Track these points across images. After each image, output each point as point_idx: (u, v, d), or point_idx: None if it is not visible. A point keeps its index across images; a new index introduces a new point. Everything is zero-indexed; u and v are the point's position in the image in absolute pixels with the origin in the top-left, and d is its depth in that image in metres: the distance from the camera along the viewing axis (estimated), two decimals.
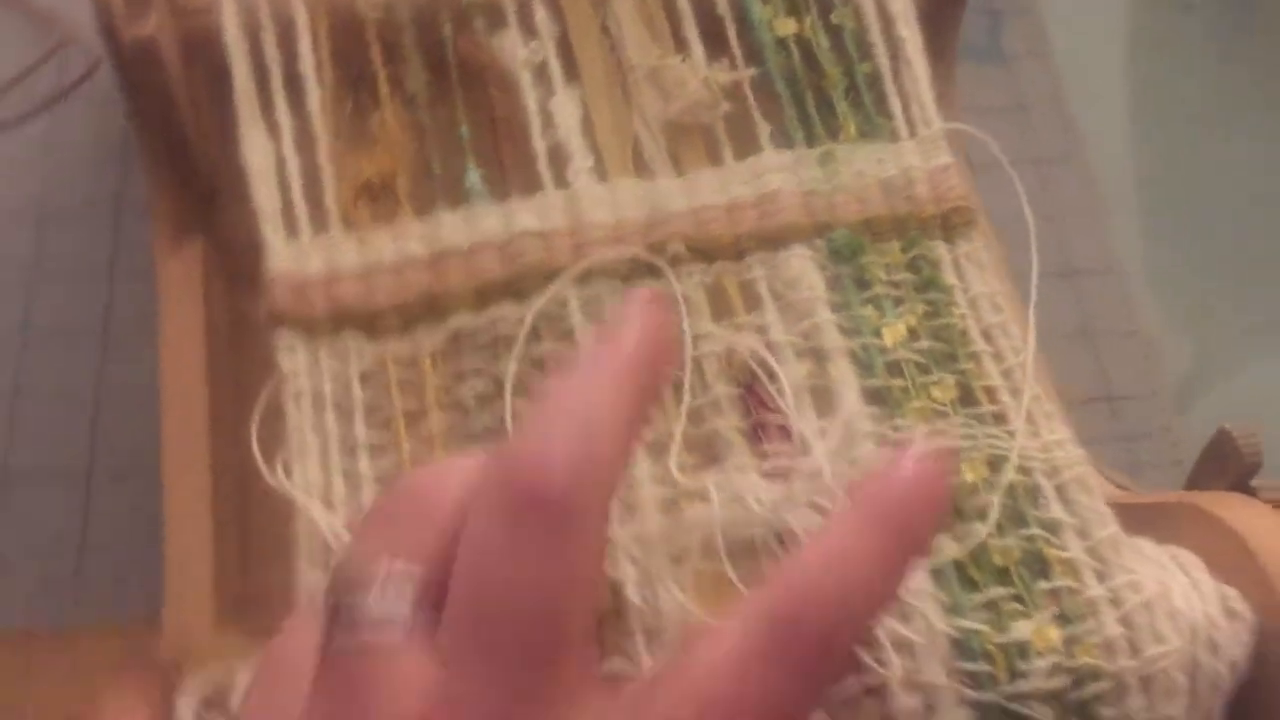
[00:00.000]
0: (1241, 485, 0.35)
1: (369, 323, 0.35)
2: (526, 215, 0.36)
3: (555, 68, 0.38)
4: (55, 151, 0.52)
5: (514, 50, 0.39)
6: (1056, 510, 0.32)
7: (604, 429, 0.23)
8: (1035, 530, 0.32)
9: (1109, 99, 0.58)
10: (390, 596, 0.22)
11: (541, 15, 0.39)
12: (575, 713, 0.22)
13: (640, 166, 0.38)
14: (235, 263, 0.43)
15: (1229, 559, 0.33)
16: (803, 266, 0.35)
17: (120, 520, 0.44)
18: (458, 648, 0.22)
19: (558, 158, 0.37)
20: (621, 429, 0.23)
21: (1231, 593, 0.32)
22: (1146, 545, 0.34)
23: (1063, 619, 0.30)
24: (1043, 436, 0.33)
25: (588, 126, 0.38)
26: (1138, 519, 0.36)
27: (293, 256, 0.35)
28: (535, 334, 0.34)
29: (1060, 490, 0.33)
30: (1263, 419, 0.50)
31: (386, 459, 0.33)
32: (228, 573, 0.37)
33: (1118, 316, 0.52)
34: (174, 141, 0.43)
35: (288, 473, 0.32)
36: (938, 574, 0.31)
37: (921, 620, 0.29)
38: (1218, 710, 0.32)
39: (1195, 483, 0.37)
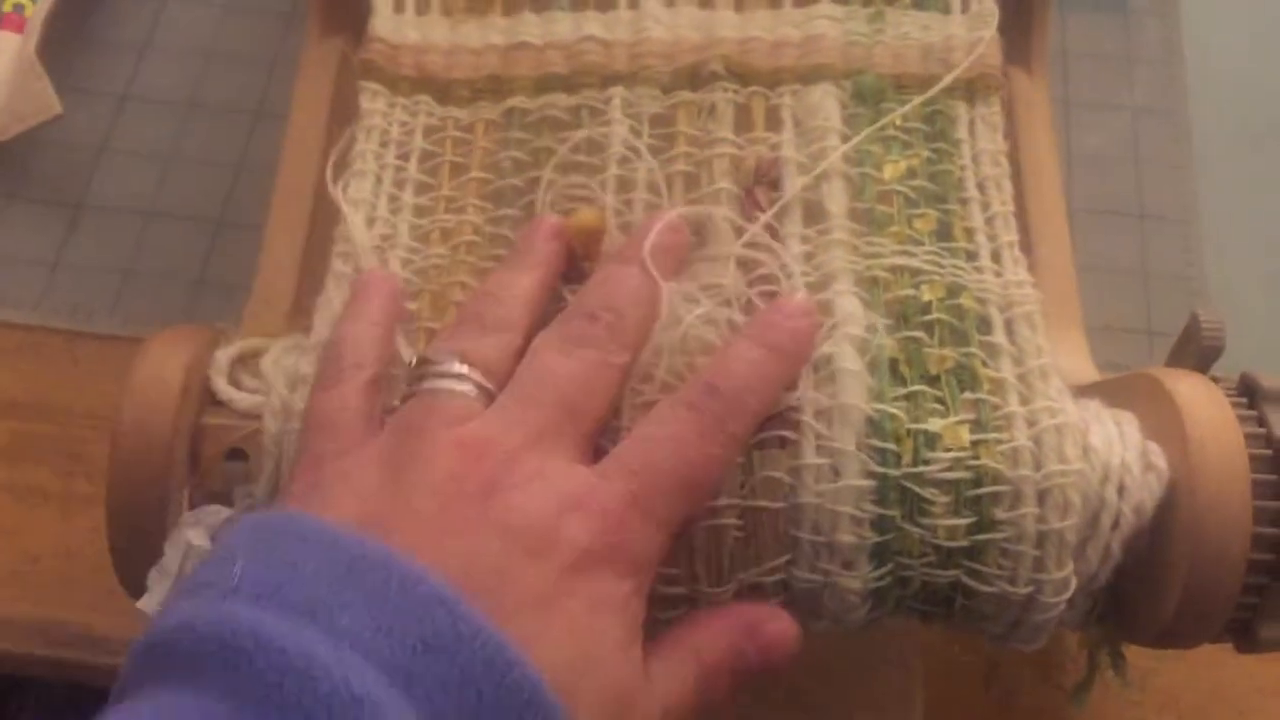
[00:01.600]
0: (1202, 369, 0.37)
1: (443, 90, 0.40)
2: (595, 24, 0.41)
3: None
4: None
5: None
6: (999, 337, 0.35)
7: None
8: (974, 349, 0.35)
9: (1224, 59, 0.58)
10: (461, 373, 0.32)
11: None
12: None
13: (707, 2, 0.42)
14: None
15: (1162, 421, 0.35)
16: (824, 99, 0.39)
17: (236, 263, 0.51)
18: (508, 397, 0.31)
19: None
20: None
21: (1155, 448, 0.34)
22: (1093, 403, 0.36)
23: (977, 425, 0.33)
24: (1005, 275, 0.36)
25: None
26: (1105, 393, 0.39)
27: (394, 26, 0.41)
28: (577, 122, 0.39)
29: (1008, 323, 0.35)
30: None
31: (426, 196, 0.38)
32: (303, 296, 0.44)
33: (1178, 262, 0.53)
34: None
35: (345, 190, 0.38)
36: (873, 365, 0.34)
37: (845, 396, 0.33)
38: (1117, 545, 0.34)
39: (1168, 364, 0.39)
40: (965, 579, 0.33)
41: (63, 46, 0.55)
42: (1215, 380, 0.37)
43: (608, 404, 0.32)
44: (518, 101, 0.40)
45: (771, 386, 0.33)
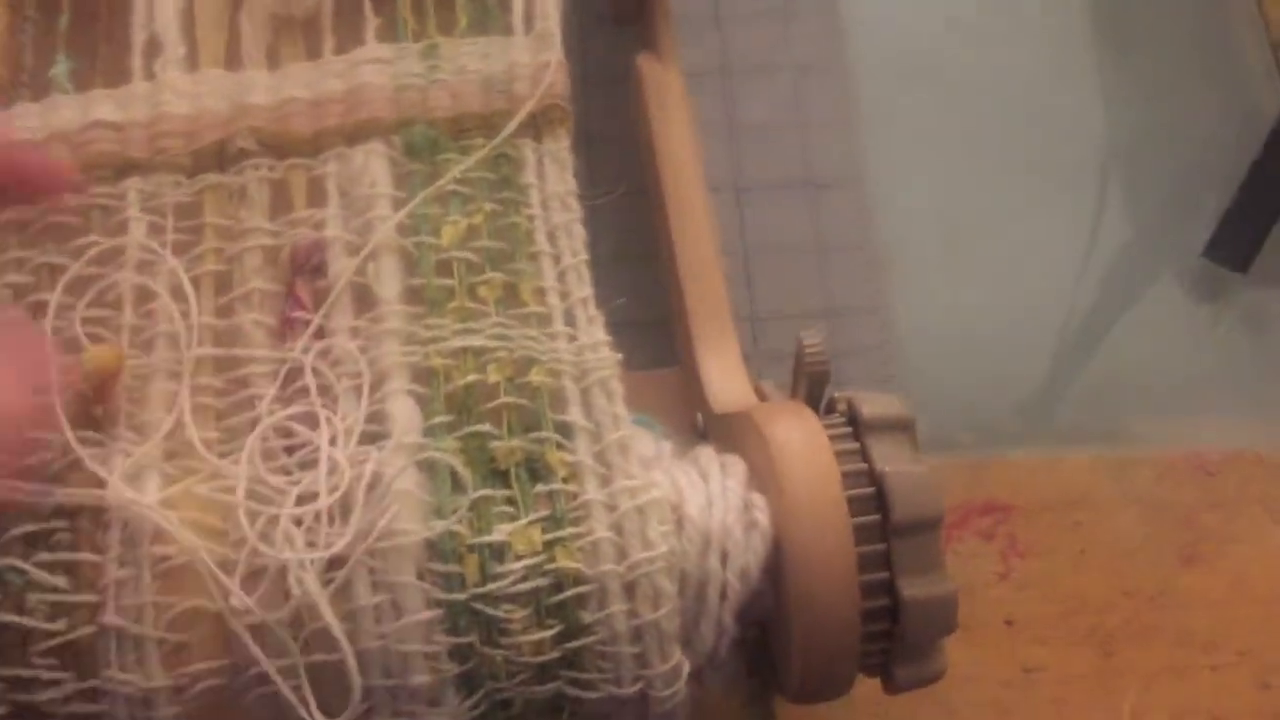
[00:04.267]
0: (814, 395, 0.34)
1: None
2: (104, 106, 0.35)
3: None
4: None
5: None
6: (574, 413, 0.32)
7: None
8: (547, 433, 0.31)
9: (883, 5, 0.55)
10: None
11: None
12: None
13: (236, 60, 0.37)
14: None
15: (764, 467, 0.32)
16: (369, 162, 0.34)
17: None
18: None
19: (153, 49, 0.36)
20: None
21: (758, 501, 0.32)
22: (704, 453, 0.34)
23: (552, 521, 0.30)
24: (579, 340, 0.33)
25: (188, 18, 0.37)
26: (728, 430, 0.36)
27: None
28: (87, 225, 0.34)
29: (584, 394, 0.32)
30: (989, 340, 0.49)
31: None
32: None
33: (851, 230, 0.50)
34: None
35: None
36: (431, 476, 0.30)
37: (399, 522, 0.29)
38: (730, 617, 0.31)
39: (793, 393, 0.36)
40: (568, 689, 0.30)
41: None
42: (833, 404, 0.35)
43: None
44: (11, 214, 0.34)
45: None
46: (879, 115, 0.53)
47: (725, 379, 0.41)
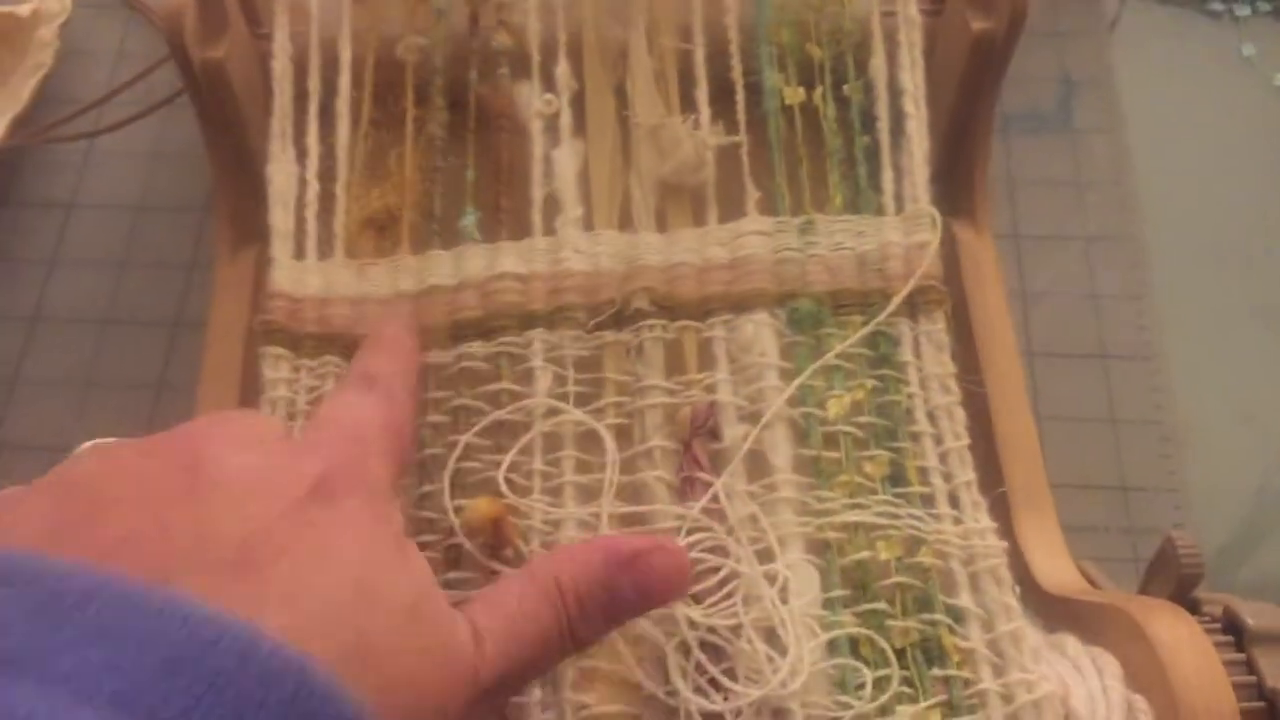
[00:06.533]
0: (1183, 594, 0.35)
1: (352, 349, 0.37)
2: (510, 258, 0.38)
3: (566, 120, 0.41)
4: (162, 152, 0.58)
5: (530, 100, 0.41)
6: (965, 598, 0.32)
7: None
8: (939, 616, 0.32)
9: (1176, 180, 0.56)
10: None
11: (563, 69, 0.41)
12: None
13: (627, 221, 0.40)
14: None
15: (1144, 668, 0.32)
16: (759, 332, 0.36)
17: None
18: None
19: (551, 206, 0.39)
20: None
21: (1141, 703, 0.32)
22: (1070, 642, 0.34)
23: (950, 708, 0.31)
24: (965, 524, 0.34)
25: (584, 179, 0.40)
26: (1075, 615, 0.36)
27: (295, 275, 0.39)
28: (496, 372, 0.36)
29: (973, 579, 0.33)
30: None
31: None
32: None
33: (1145, 406, 0.51)
34: (240, 155, 0.47)
35: None
36: (833, 647, 0.31)
37: (809, 695, 0.30)
38: None
39: (1145, 588, 0.36)
40: None
41: None
42: (1197, 604, 0.35)
43: None
44: (432, 356, 0.37)
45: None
46: (1172, 289, 0.53)
47: (1048, 555, 0.41)
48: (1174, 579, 0.35)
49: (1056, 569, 0.41)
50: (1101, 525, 0.48)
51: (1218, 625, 0.33)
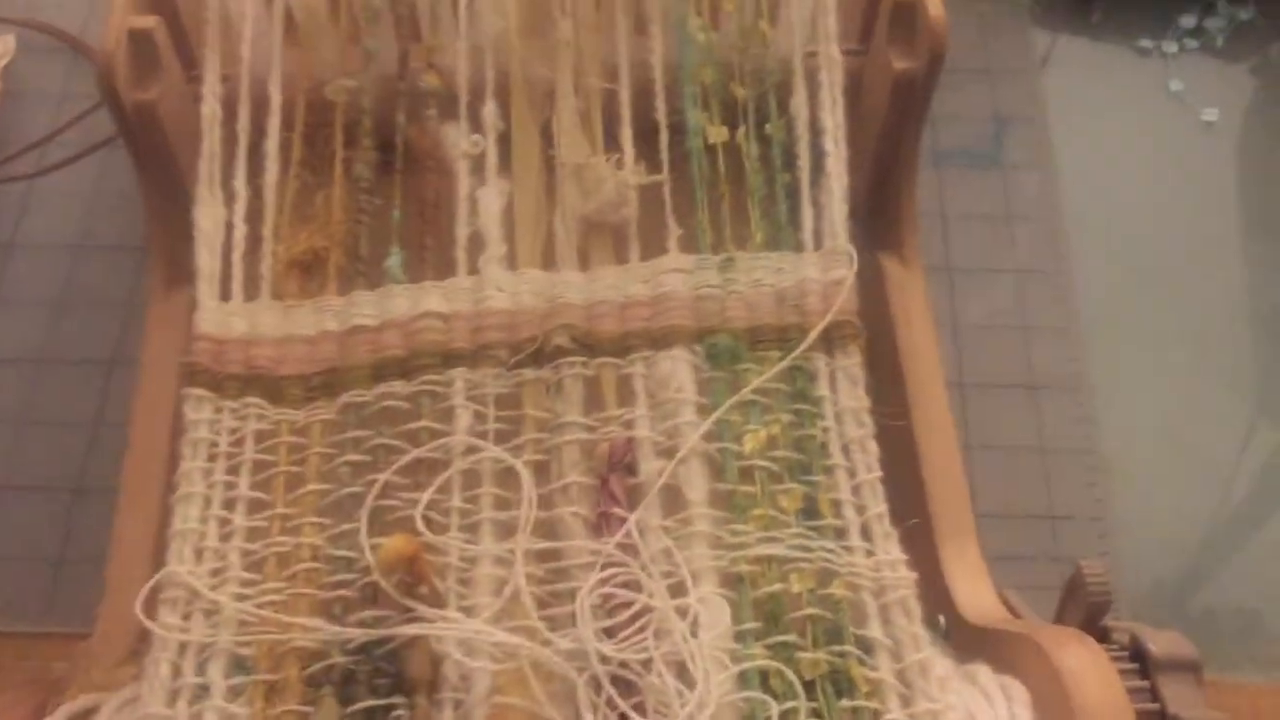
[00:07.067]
0: (1092, 622, 0.35)
1: (274, 389, 0.38)
2: (433, 297, 0.39)
3: (492, 159, 0.41)
4: (101, 193, 0.58)
5: (458, 141, 0.42)
6: (875, 629, 0.33)
7: None
8: (849, 647, 0.33)
9: (1105, 215, 0.57)
10: None
11: (489, 110, 0.42)
12: None
13: (551, 259, 0.40)
14: None
15: (1052, 696, 0.33)
16: (677, 368, 0.37)
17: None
18: None
19: (475, 245, 0.40)
20: None
21: None
22: (983, 672, 0.35)
23: None
24: (876, 555, 0.34)
25: (509, 217, 0.41)
26: (992, 644, 0.37)
27: (219, 317, 0.39)
28: (417, 411, 0.37)
29: (883, 610, 0.33)
30: (1208, 554, 0.50)
31: (260, 515, 0.36)
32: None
33: (1074, 435, 0.52)
34: (173, 196, 0.48)
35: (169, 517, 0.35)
36: (743, 679, 0.32)
37: None
38: None
39: (1059, 616, 0.37)
40: None
41: None
42: (1106, 632, 0.35)
43: None
44: (354, 395, 0.37)
45: None
46: (1101, 321, 0.54)
47: (971, 584, 0.42)
48: (1083, 607, 0.35)
49: (978, 598, 0.41)
50: (1030, 554, 0.49)
51: (1125, 653, 0.34)
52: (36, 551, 0.49)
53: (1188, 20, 0.64)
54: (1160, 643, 0.33)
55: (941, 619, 0.43)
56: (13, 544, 0.49)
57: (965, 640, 0.39)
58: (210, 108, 0.42)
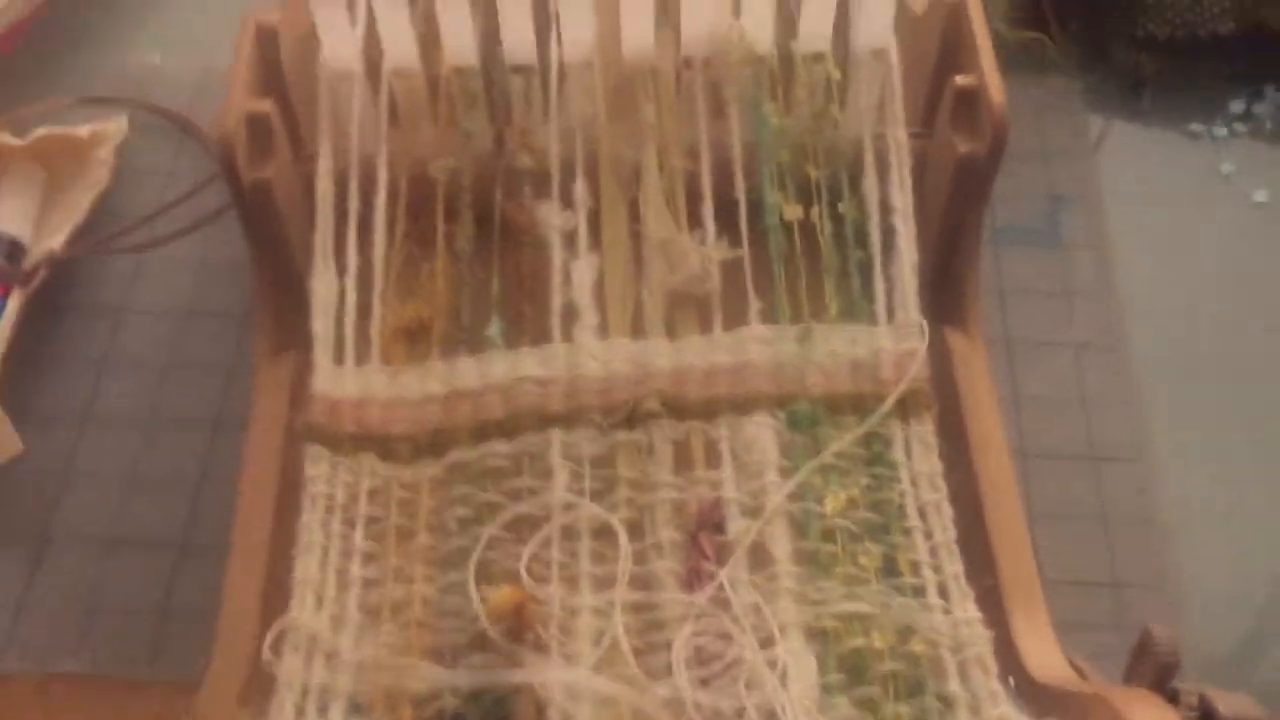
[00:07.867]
0: (1161, 684, 0.37)
1: (384, 447, 0.41)
2: (530, 363, 0.41)
3: (584, 235, 0.44)
4: (207, 264, 0.61)
5: (551, 217, 0.45)
6: (954, 685, 0.35)
7: None
8: (929, 701, 0.34)
9: (1160, 291, 0.59)
10: None
11: (580, 187, 0.45)
12: None
13: (639, 328, 0.43)
14: None
15: None
16: (760, 432, 0.39)
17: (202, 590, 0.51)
18: None
19: (569, 314, 0.43)
20: None
21: None
22: None
23: None
24: (954, 613, 0.36)
25: (599, 289, 0.43)
26: (1062, 704, 0.38)
27: (334, 379, 0.42)
28: (517, 469, 0.39)
29: (961, 666, 0.35)
30: (1269, 622, 0.51)
31: (374, 567, 0.38)
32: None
33: (1135, 505, 0.53)
34: (281, 269, 0.51)
35: (292, 566, 0.38)
36: None
37: None
38: None
39: (1128, 678, 0.38)
40: None
41: (21, 370, 0.56)
42: (1176, 694, 0.37)
43: None
44: (458, 455, 0.40)
45: None
46: (1159, 394, 0.56)
47: (1040, 647, 0.43)
48: (1153, 669, 0.37)
49: (1046, 658, 0.43)
50: (1093, 621, 0.50)
51: (1194, 714, 0.35)
52: (142, 604, 0.51)
53: (1237, 105, 0.67)
54: (1229, 704, 0.35)
55: (1011, 680, 0.44)
56: (119, 597, 0.52)
57: (1036, 701, 0.41)
58: (325, 185, 0.46)
